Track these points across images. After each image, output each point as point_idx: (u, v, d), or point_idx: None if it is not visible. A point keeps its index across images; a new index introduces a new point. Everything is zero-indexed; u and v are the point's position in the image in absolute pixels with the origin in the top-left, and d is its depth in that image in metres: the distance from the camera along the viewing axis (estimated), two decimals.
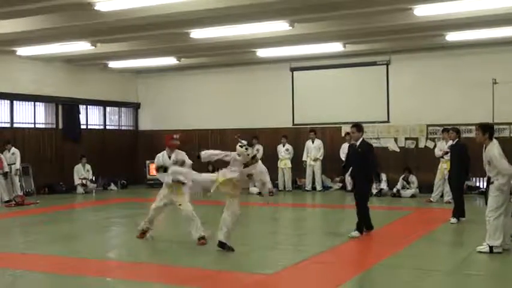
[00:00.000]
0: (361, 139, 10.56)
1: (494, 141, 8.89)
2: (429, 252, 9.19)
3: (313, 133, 18.64)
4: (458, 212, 11.81)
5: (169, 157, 10.18)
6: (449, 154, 14.11)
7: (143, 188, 20.38)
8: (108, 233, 11.58)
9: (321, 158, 18.45)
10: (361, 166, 10.41)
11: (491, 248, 8.69)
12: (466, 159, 12.04)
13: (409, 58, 18.15)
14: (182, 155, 10.26)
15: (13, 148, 16.89)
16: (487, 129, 8.94)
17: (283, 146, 18.99)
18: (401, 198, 16.20)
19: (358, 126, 10.65)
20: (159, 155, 10.32)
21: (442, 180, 15.05)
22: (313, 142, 18.61)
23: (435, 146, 16.44)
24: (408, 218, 13.22)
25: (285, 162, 18.81)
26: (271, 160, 18.76)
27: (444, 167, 14.95)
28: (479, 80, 16.89)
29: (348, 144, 17.75)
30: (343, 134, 18.93)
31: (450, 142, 13.85)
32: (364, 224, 10.48)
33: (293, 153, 18.92)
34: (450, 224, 11.62)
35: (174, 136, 10.40)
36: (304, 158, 18.66)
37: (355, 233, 10.29)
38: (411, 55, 18.05)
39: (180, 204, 9.91)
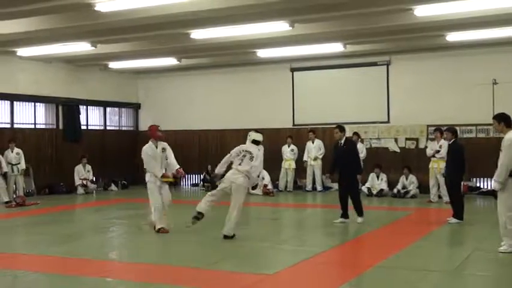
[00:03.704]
0: (344, 138, 12.01)
1: None
2: (429, 253, 9.19)
3: (312, 133, 18.65)
4: (457, 212, 11.78)
5: (156, 147, 10.94)
6: (440, 153, 14.17)
7: (144, 188, 20.26)
8: (109, 233, 11.58)
9: (321, 156, 18.44)
10: (347, 161, 11.80)
11: None
12: (461, 160, 11.94)
13: (410, 58, 18.15)
14: (166, 144, 11.09)
15: (16, 148, 16.90)
16: (502, 118, 8.99)
17: (289, 146, 18.98)
18: (401, 199, 16.20)
19: (340, 127, 12.12)
20: (147, 146, 10.98)
21: (434, 179, 15.09)
22: (313, 142, 18.62)
23: (426, 146, 16.52)
24: (408, 218, 13.23)
25: (289, 163, 18.81)
26: (272, 160, 18.80)
27: (435, 166, 15.03)
28: (479, 80, 16.89)
29: (360, 144, 17.87)
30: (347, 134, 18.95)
31: (442, 141, 13.90)
32: (357, 208, 11.95)
33: (297, 154, 18.94)
34: (449, 224, 11.61)
35: (159, 128, 11.15)
36: (305, 158, 18.66)
37: (360, 219, 11.84)
38: (411, 55, 18.05)
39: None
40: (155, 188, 10.92)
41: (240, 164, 10.15)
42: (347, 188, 11.93)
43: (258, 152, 10.45)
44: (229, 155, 10.40)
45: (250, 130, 9.95)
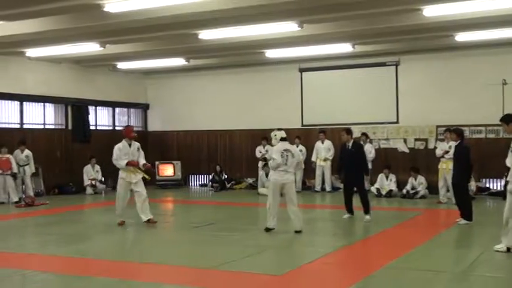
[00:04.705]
0: (351, 141, 12.64)
1: None
2: (438, 254, 9.14)
3: (322, 134, 18.60)
4: (465, 213, 11.72)
5: (130, 145, 11.98)
6: (449, 153, 14.12)
7: (152, 188, 20.36)
8: (118, 233, 11.59)
9: (331, 158, 18.39)
10: (354, 163, 12.42)
11: (508, 248, 8.69)
12: (466, 162, 11.85)
13: (419, 59, 18.10)
14: (139, 145, 12.17)
15: (26, 150, 16.96)
16: (510, 119, 9.10)
17: (297, 147, 18.91)
18: (410, 200, 16.14)
19: (347, 130, 12.77)
20: (119, 145, 11.97)
21: (443, 179, 15.04)
22: (322, 143, 18.57)
23: (435, 146, 16.44)
24: (417, 219, 13.19)
25: None
26: None
27: (443, 167, 14.97)
28: (488, 80, 16.82)
29: (369, 145, 17.73)
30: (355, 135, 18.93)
31: (451, 142, 13.85)
32: (365, 206, 12.45)
33: (306, 154, 18.91)
34: (459, 225, 11.56)
35: (134, 129, 12.43)
36: (313, 159, 18.62)
37: (368, 217, 12.31)
38: (420, 56, 18.00)
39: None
40: (122, 184, 12.08)
41: (286, 164, 10.73)
42: (353, 188, 12.61)
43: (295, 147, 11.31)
44: (275, 160, 10.75)
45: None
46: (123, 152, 11.90)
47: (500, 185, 15.95)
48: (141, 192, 11.94)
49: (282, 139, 11.04)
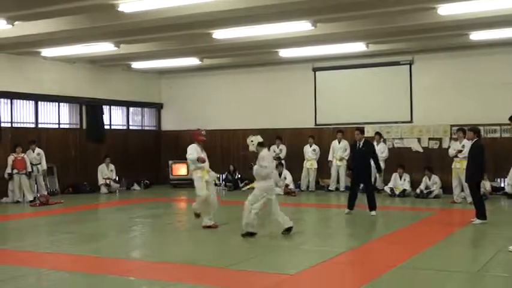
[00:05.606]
0: (363, 140, 13.10)
1: None
2: (452, 254, 9.11)
3: (340, 133, 18.52)
4: (479, 213, 11.66)
5: (201, 149, 11.57)
6: (463, 153, 14.05)
7: (166, 188, 20.48)
8: (132, 232, 11.65)
9: (347, 157, 18.30)
10: (363, 161, 13.04)
11: None
12: (481, 160, 11.77)
13: (433, 58, 18.01)
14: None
15: (37, 148, 17.09)
16: None
17: (310, 146, 18.93)
18: (424, 199, 16.08)
19: (360, 129, 13.35)
20: (194, 144, 11.52)
21: (457, 179, 14.95)
22: (339, 142, 18.49)
23: (449, 146, 16.35)
24: (431, 219, 13.14)
25: (311, 163, 18.76)
26: (294, 160, 18.81)
27: (457, 166, 14.88)
28: (503, 79, 16.72)
29: (382, 144, 17.71)
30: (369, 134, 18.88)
31: (464, 142, 13.80)
32: (371, 203, 12.96)
33: (319, 154, 18.88)
34: (473, 225, 11.51)
35: (203, 132, 11.84)
36: (330, 158, 18.56)
37: (374, 212, 12.90)
38: (435, 55, 17.91)
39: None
40: (202, 184, 11.38)
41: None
42: (360, 186, 13.28)
43: (262, 153, 10.76)
44: (268, 168, 10.67)
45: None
46: (197, 152, 11.48)
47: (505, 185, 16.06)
48: (212, 199, 11.50)
49: (260, 144, 10.73)
